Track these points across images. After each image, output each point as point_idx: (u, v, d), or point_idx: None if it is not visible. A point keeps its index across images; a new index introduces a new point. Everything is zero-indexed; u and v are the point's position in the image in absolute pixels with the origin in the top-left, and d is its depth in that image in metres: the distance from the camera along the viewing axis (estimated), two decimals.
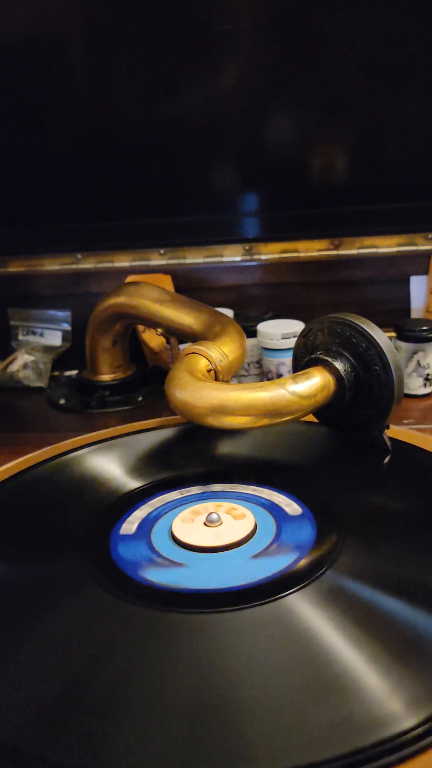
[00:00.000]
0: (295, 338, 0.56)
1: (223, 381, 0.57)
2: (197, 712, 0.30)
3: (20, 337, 0.96)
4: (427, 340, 0.75)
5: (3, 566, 0.42)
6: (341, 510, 0.45)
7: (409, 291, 0.89)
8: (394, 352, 0.50)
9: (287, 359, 0.77)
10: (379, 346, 0.50)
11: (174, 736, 0.29)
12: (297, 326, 0.78)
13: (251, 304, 0.91)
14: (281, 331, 0.77)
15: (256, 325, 0.80)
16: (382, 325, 0.52)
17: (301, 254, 0.90)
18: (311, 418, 0.54)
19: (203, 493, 0.49)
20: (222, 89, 0.87)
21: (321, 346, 0.53)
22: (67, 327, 0.95)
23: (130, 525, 0.45)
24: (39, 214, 0.95)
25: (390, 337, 0.52)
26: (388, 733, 0.28)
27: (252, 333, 0.79)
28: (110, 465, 0.54)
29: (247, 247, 0.91)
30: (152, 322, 0.74)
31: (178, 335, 0.74)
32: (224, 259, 0.92)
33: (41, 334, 0.96)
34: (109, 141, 0.90)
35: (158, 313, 0.72)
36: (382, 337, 0.50)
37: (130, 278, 0.87)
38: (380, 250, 0.88)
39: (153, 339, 0.88)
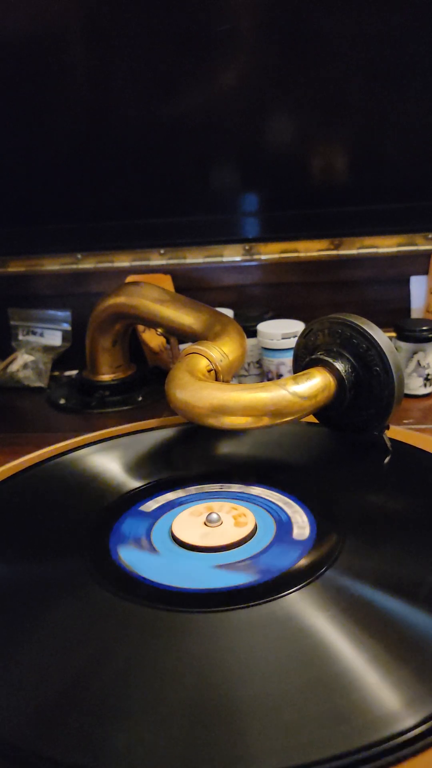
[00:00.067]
0: (295, 338, 0.56)
1: (223, 381, 0.57)
2: (197, 712, 0.30)
3: (20, 337, 0.96)
4: (427, 340, 0.75)
5: (3, 566, 0.42)
6: (341, 510, 0.45)
7: (409, 291, 0.89)
8: (394, 353, 0.50)
9: (287, 359, 0.77)
10: (380, 346, 0.50)
11: (174, 736, 0.29)
12: (297, 326, 0.78)
13: (251, 304, 0.91)
14: (281, 331, 0.77)
15: (256, 325, 0.80)
16: (382, 325, 0.52)
17: (301, 254, 0.90)
18: (311, 418, 0.54)
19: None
20: (222, 89, 0.87)
21: (321, 346, 0.53)
22: (67, 327, 0.95)
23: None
24: (39, 214, 0.95)
25: (390, 337, 0.52)
26: (388, 732, 0.28)
27: (252, 333, 0.79)
28: (110, 465, 0.54)
29: (247, 247, 0.91)
30: (152, 322, 0.74)
31: (178, 335, 0.74)
32: (224, 259, 0.92)
33: (41, 334, 0.96)
34: (109, 141, 0.90)
35: (158, 313, 0.72)
36: (383, 338, 0.50)
37: (130, 278, 0.87)
38: (380, 250, 0.88)
39: (153, 339, 0.88)
